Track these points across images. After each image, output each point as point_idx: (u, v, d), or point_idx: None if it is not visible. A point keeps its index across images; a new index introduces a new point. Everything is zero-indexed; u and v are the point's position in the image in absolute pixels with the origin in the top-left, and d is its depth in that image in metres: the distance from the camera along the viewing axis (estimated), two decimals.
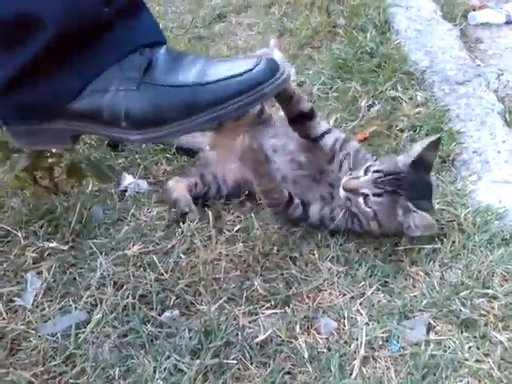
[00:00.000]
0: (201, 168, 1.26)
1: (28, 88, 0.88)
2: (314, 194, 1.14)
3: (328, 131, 1.16)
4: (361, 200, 1.03)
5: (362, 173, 1.05)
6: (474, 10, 2.19)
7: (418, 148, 1.04)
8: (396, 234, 1.07)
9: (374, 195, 1.01)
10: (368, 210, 1.03)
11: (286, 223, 1.13)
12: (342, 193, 1.06)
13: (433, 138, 1.05)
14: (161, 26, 2.03)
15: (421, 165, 1.04)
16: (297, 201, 1.11)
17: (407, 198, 1.01)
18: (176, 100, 0.86)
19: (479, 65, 1.85)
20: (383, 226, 1.05)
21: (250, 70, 0.86)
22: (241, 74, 0.86)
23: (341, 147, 1.14)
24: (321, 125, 1.16)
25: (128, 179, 1.25)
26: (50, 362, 0.85)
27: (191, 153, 1.35)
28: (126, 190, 1.23)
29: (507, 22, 2.15)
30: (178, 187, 1.19)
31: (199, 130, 0.93)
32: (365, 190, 1.02)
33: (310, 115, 1.13)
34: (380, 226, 1.05)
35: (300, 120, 1.13)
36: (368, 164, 1.06)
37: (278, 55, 1.69)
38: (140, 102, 0.88)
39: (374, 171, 1.03)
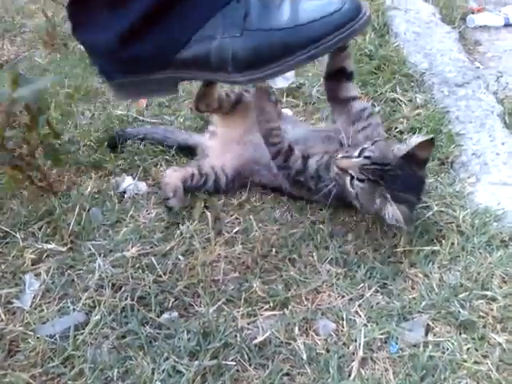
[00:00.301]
0: (199, 160, 1.29)
1: (138, 43, 0.93)
2: (319, 148, 1.18)
3: (358, 98, 1.21)
4: (347, 179, 1.05)
5: (356, 153, 1.06)
6: (473, 13, 2.19)
7: (412, 143, 1.04)
8: (374, 214, 1.10)
9: (358, 179, 1.04)
10: (351, 190, 1.05)
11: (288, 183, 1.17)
12: (334, 168, 1.08)
13: (427, 137, 1.05)
14: None
15: (413, 160, 1.04)
16: (297, 152, 1.16)
17: (388, 188, 1.02)
18: (274, 43, 0.93)
19: (478, 67, 1.85)
20: (363, 207, 1.07)
21: (339, 9, 0.93)
22: (330, 14, 0.93)
23: (366, 117, 1.17)
24: (354, 90, 1.20)
25: (127, 181, 1.25)
26: (49, 363, 0.85)
27: (190, 154, 1.35)
28: (125, 192, 1.23)
29: (506, 25, 2.16)
30: (173, 175, 1.22)
31: (296, 68, 0.99)
32: (352, 172, 1.04)
33: (349, 75, 1.18)
34: (361, 206, 1.07)
35: (338, 77, 1.18)
36: (365, 146, 1.07)
37: None
38: (244, 46, 0.94)
39: (365, 157, 1.04)
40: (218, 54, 0.95)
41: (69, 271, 1.02)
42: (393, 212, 1.00)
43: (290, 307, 0.96)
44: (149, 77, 0.99)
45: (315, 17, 0.93)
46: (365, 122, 1.16)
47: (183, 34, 0.95)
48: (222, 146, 1.29)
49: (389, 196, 1.00)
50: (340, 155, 1.08)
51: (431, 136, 1.06)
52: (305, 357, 0.86)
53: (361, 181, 1.03)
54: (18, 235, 1.08)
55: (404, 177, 1.03)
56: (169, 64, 0.97)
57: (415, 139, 1.04)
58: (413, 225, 1.10)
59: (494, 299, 0.96)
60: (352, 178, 1.04)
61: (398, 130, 1.39)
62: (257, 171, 1.24)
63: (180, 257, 1.05)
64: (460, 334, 0.91)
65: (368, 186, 1.03)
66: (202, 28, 0.95)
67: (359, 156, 1.05)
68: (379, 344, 0.89)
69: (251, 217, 1.15)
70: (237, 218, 1.17)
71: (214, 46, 0.94)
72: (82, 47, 1.82)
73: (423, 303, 0.95)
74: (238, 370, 0.85)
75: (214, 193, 1.22)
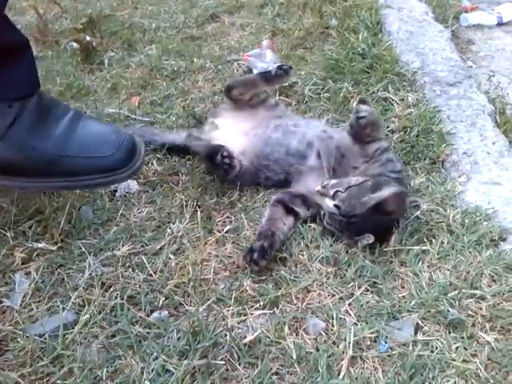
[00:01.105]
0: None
1: None
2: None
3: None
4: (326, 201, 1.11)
5: (331, 193, 1.10)
6: (466, 12, 2.20)
7: (383, 194, 1.06)
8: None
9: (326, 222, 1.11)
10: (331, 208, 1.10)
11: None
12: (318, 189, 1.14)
13: (398, 190, 1.07)
14: (153, 25, 2.05)
15: (380, 210, 1.05)
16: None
17: (349, 235, 1.08)
18: (33, 161, 0.92)
19: (471, 66, 1.86)
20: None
21: (110, 155, 0.95)
22: (99, 157, 0.95)
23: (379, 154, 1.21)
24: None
25: None
26: (38, 362, 0.85)
27: (182, 153, 1.35)
28: (116, 191, 1.22)
29: (499, 24, 2.17)
30: None
31: (42, 191, 1.05)
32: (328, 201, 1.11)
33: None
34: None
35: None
36: (339, 189, 1.10)
37: (270, 56, 1.69)
38: (4, 151, 0.92)
39: (335, 205, 1.09)
40: None
41: (59, 270, 1.02)
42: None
43: (280, 306, 0.96)
44: None
45: (84, 154, 0.95)
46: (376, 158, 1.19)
47: None
48: (227, 138, 1.28)
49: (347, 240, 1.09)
50: (320, 186, 1.12)
51: (401, 190, 1.09)
52: (294, 356, 0.86)
53: (328, 224, 1.10)
54: (8, 234, 1.08)
55: (368, 224, 1.06)
56: None
57: (387, 190, 1.06)
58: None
59: (483, 298, 0.96)
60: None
61: (389, 129, 1.40)
62: (265, 166, 1.24)
63: (171, 256, 1.05)
64: (449, 332, 0.91)
65: (332, 229, 1.10)
66: None
67: (333, 197, 1.10)
68: (369, 343, 0.89)
69: (242, 216, 1.15)
70: (228, 217, 1.17)
71: None
72: (74, 45, 1.84)
73: (413, 302, 0.95)
74: (227, 369, 0.85)
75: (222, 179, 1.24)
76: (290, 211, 1.13)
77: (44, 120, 0.95)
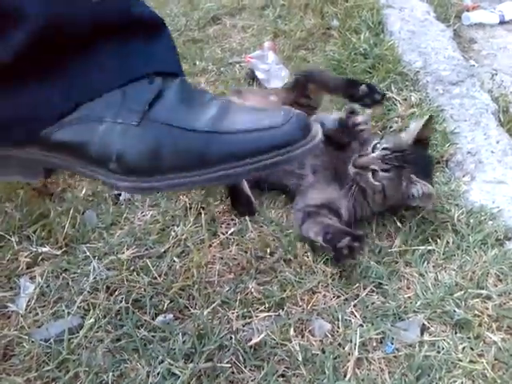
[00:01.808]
0: None
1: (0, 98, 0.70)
2: None
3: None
4: (370, 175, 1.09)
5: (369, 150, 1.11)
6: (468, 11, 2.19)
7: (416, 127, 1.12)
8: (395, 206, 1.14)
9: (383, 170, 1.08)
10: (377, 183, 1.09)
11: None
12: (351, 170, 1.11)
13: (426, 117, 1.12)
14: None
15: (419, 142, 1.11)
16: None
17: (413, 170, 1.08)
18: (182, 146, 0.70)
19: (473, 65, 1.85)
20: (387, 199, 1.11)
21: (278, 126, 0.71)
22: (266, 129, 0.71)
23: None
24: None
25: None
26: (43, 367, 0.85)
27: None
28: (119, 194, 1.22)
29: (501, 23, 2.16)
30: None
31: (200, 187, 0.78)
32: (374, 167, 1.09)
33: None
34: (385, 197, 1.11)
35: None
36: (374, 142, 1.12)
37: (272, 57, 1.69)
38: (139, 142, 0.71)
39: (383, 149, 1.10)
40: (102, 144, 0.71)
41: (64, 274, 1.02)
42: (422, 188, 1.06)
43: (285, 308, 0.96)
44: (11, 152, 0.75)
45: (246, 127, 0.71)
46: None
47: (60, 102, 0.71)
48: None
49: (414, 176, 1.07)
50: (355, 156, 1.12)
51: (429, 115, 1.14)
52: (300, 358, 0.86)
53: (386, 171, 1.08)
54: (12, 238, 1.08)
55: (420, 159, 1.11)
56: (36, 140, 0.72)
57: (417, 123, 1.12)
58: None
59: (489, 298, 0.96)
60: (374, 171, 1.09)
61: (392, 129, 1.39)
62: (268, 181, 1.22)
63: (175, 259, 1.05)
64: (455, 333, 0.91)
65: (394, 173, 1.08)
66: (86, 103, 0.71)
67: (373, 151, 1.10)
68: (374, 344, 0.89)
69: (246, 218, 1.14)
70: (232, 219, 1.17)
71: (99, 131, 0.71)
72: None
73: (418, 303, 0.95)
74: (233, 372, 0.85)
75: None
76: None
77: (190, 102, 0.74)
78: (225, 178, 0.71)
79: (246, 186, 1.18)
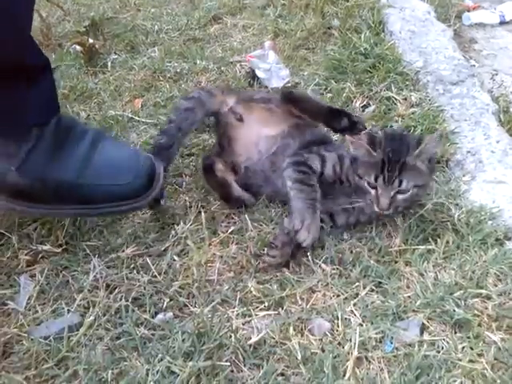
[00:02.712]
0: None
1: None
2: None
3: None
4: (401, 197, 1.05)
5: (372, 192, 1.06)
6: (468, 11, 2.19)
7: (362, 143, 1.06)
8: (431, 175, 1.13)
9: (400, 185, 1.03)
10: (409, 192, 1.05)
11: None
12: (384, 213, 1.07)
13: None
14: (156, 27, 2.05)
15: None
16: None
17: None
18: (51, 189, 0.90)
19: (474, 65, 1.85)
20: (427, 182, 1.10)
21: (128, 182, 0.93)
22: (118, 185, 0.93)
23: None
24: None
25: None
26: (43, 365, 0.85)
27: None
28: None
29: (501, 23, 2.16)
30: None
31: (65, 217, 1.04)
32: (393, 193, 1.04)
33: None
34: (424, 186, 1.09)
35: None
36: (364, 182, 1.07)
37: (272, 56, 1.69)
38: (15, 184, 0.91)
39: (374, 180, 1.05)
40: None
41: (64, 272, 1.02)
42: (431, 138, 1.04)
43: (284, 307, 0.96)
44: None
45: (101, 182, 0.93)
46: None
47: None
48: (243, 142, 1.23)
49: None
50: (375, 207, 1.06)
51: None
52: (300, 357, 0.86)
53: (401, 182, 1.03)
54: (12, 236, 1.08)
55: (394, 148, 1.05)
56: None
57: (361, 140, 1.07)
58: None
59: (488, 297, 0.96)
60: (398, 192, 1.04)
61: (392, 128, 1.39)
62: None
63: (175, 257, 1.05)
64: (455, 332, 0.91)
65: (406, 173, 1.03)
66: None
67: (374, 188, 1.06)
68: (374, 343, 0.89)
69: (246, 216, 1.14)
70: (232, 218, 1.17)
71: None
72: (77, 47, 1.84)
73: (418, 302, 0.95)
74: (232, 371, 0.85)
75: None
76: None
77: (62, 146, 0.93)
78: (79, 215, 0.97)
79: (235, 186, 1.19)
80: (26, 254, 1.05)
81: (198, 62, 1.81)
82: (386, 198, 1.03)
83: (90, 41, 1.83)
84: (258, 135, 1.22)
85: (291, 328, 0.91)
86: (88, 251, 1.05)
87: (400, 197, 1.04)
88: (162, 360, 0.84)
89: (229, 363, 0.85)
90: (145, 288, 0.98)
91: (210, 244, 1.08)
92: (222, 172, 1.20)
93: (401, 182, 1.03)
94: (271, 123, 1.23)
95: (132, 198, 0.95)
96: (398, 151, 1.04)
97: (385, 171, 1.03)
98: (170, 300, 0.96)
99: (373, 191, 1.05)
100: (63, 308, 0.94)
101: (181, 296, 0.97)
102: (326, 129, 1.26)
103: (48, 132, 0.91)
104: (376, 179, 1.04)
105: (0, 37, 0.81)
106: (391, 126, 1.40)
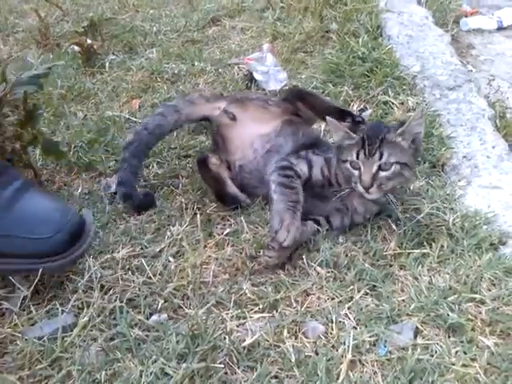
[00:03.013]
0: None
1: None
2: None
3: None
4: (383, 174, 1.05)
5: (355, 172, 1.07)
6: (466, 16, 2.21)
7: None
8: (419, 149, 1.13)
9: (380, 159, 1.04)
10: (392, 169, 1.05)
11: None
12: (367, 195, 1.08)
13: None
14: (155, 29, 2.06)
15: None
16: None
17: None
18: None
19: (471, 70, 1.86)
20: (413, 158, 1.10)
21: (48, 237, 0.85)
22: (35, 239, 0.85)
23: None
24: None
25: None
26: (36, 365, 0.85)
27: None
28: (116, 193, 1.22)
29: (499, 28, 2.17)
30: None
31: None
32: (374, 168, 1.05)
33: None
34: (410, 163, 1.08)
35: None
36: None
37: (270, 59, 1.69)
38: None
39: (356, 156, 1.06)
40: None
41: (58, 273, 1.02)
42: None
43: (279, 309, 0.96)
44: None
45: (18, 233, 0.85)
46: None
47: None
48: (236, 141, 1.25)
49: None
50: (359, 188, 1.07)
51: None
52: (293, 359, 0.86)
53: (381, 155, 1.04)
54: None
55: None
56: None
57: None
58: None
59: (482, 302, 0.96)
60: (379, 167, 1.05)
61: None
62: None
63: (170, 258, 1.05)
64: (449, 336, 0.91)
65: (387, 148, 1.04)
66: None
67: (356, 168, 1.07)
68: (368, 347, 0.89)
69: (242, 219, 1.14)
70: (228, 220, 1.17)
71: None
72: (75, 48, 1.84)
73: (412, 306, 0.95)
74: (226, 373, 0.84)
75: None
76: None
77: None
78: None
79: (230, 183, 1.20)
80: None
81: (196, 63, 1.82)
82: (369, 173, 1.04)
83: (89, 41, 1.83)
84: (251, 133, 1.23)
85: (285, 330, 0.91)
86: None
87: (382, 174, 1.05)
88: (155, 361, 0.84)
89: (223, 365, 0.85)
90: (139, 289, 0.98)
91: (205, 246, 1.08)
92: (217, 166, 1.20)
93: (381, 155, 1.04)
94: (265, 120, 1.25)
95: (48, 256, 0.87)
96: (377, 129, 1.07)
97: (365, 146, 1.05)
98: (165, 301, 0.96)
99: (356, 171, 1.07)
100: (57, 308, 0.94)
101: (175, 297, 0.97)
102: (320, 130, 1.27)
103: None
104: (358, 156, 1.05)
105: None
106: None
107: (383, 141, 1.04)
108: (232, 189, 1.20)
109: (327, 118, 1.11)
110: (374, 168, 1.04)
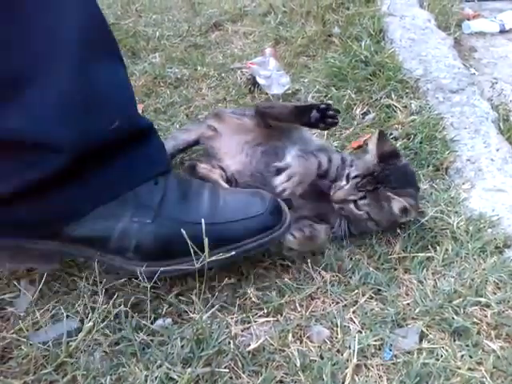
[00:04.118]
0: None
1: (30, 206, 0.84)
2: None
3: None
4: (352, 206, 1.08)
5: (344, 182, 1.10)
6: (469, 19, 2.21)
7: (372, 144, 1.10)
8: (391, 225, 1.11)
9: (360, 198, 1.07)
10: (361, 212, 1.08)
11: None
12: (335, 205, 1.11)
13: (375, 133, 1.11)
14: (157, 34, 2.06)
15: (387, 156, 1.09)
16: None
17: (388, 188, 1.06)
18: (188, 236, 0.85)
19: (474, 73, 1.86)
20: (379, 223, 1.10)
21: (260, 213, 0.91)
22: (250, 217, 0.90)
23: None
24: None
25: None
26: (41, 370, 0.84)
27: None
28: None
29: (501, 31, 2.18)
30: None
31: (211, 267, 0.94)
32: (352, 197, 1.08)
33: None
34: (377, 223, 1.10)
35: None
36: (347, 172, 1.11)
37: (273, 63, 1.70)
38: (154, 236, 0.88)
39: (354, 177, 1.09)
40: (121, 238, 0.87)
41: (63, 277, 1.02)
42: (399, 204, 1.04)
43: (284, 314, 0.96)
44: (29, 245, 0.88)
45: (235, 217, 0.90)
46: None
47: (83, 204, 0.86)
48: (225, 150, 1.26)
49: (391, 193, 1.04)
50: (332, 192, 1.11)
51: (378, 130, 1.11)
52: (298, 364, 0.86)
53: (363, 198, 1.07)
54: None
55: (393, 173, 1.08)
56: (57, 234, 0.88)
57: (371, 141, 1.11)
58: (421, 214, 1.13)
59: (488, 306, 0.96)
60: (355, 201, 1.08)
61: (392, 136, 1.40)
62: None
63: None
64: (454, 340, 0.91)
65: (371, 197, 1.07)
66: (106, 204, 0.86)
67: (348, 181, 1.09)
68: (373, 351, 0.89)
69: None
70: None
71: (118, 228, 0.87)
72: None
73: (417, 310, 0.95)
74: (231, 378, 0.84)
75: None
76: None
77: (186, 196, 0.93)
78: (219, 262, 0.89)
79: (222, 183, 1.19)
80: None
81: (199, 68, 1.82)
82: (345, 193, 1.08)
83: None
84: (237, 140, 1.25)
85: (290, 335, 0.91)
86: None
87: (351, 206, 1.08)
88: (160, 366, 0.84)
89: (228, 370, 0.85)
90: (144, 294, 0.97)
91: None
92: (207, 170, 1.21)
93: (363, 198, 1.07)
94: (244, 131, 1.26)
95: (269, 229, 0.93)
96: (388, 179, 1.07)
97: (366, 179, 1.07)
98: (170, 306, 0.96)
99: (344, 182, 1.10)
100: (62, 313, 0.94)
101: (180, 302, 0.97)
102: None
103: (171, 183, 0.93)
104: (355, 177, 1.08)
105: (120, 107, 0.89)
106: (391, 134, 1.40)
107: (376, 192, 1.07)
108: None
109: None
110: (351, 197, 1.08)
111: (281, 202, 0.99)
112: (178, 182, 0.95)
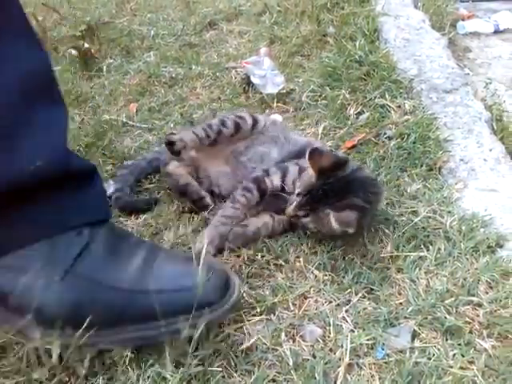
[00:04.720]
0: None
1: None
2: None
3: None
4: (303, 220, 1.08)
5: (295, 197, 1.09)
6: (463, 20, 2.21)
7: (308, 163, 1.07)
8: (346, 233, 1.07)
9: (304, 216, 1.07)
10: (310, 226, 1.09)
11: None
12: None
13: (307, 151, 1.07)
14: (152, 32, 2.06)
15: (326, 170, 1.05)
16: None
17: (327, 204, 1.03)
18: (103, 303, 0.73)
19: (467, 73, 1.87)
20: (329, 234, 1.07)
21: (197, 286, 0.75)
22: (185, 290, 0.76)
23: None
24: None
25: (113, 186, 1.24)
26: (33, 370, 0.84)
27: None
28: (110, 197, 1.22)
29: (495, 32, 2.18)
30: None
31: (123, 346, 0.79)
32: (299, 213, 1.07)
33: None
34: (328, 234, 1.08)
35: None
36: (297, 191, 1.09)
37: (268, 63, 1.70)
38: (60, 297, 0.74)
39: (297, 195, 1.08)
40: (21, 296, 0.74)
41: None
42: (336, 220, 1.01)
43: (276, 313, 0.96)
44: None
45: (169, 286, 0.75)
46: None
47: None
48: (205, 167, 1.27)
49: (329, 210, 1.02)
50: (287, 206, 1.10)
51: (310, 149, 1.07)
52: (291, 363, 0.86)
53: (306, 216, 1.07)
54: None
55: (332, 187, 1.04)
56: None
57: (306, 158, 1.06)
58: (365, 225, 1.10)
59: (480, 305, 0.96)
60: (304, 216, 1.07)
61: (386, 135, 1.40)
62: None
63: None
64: (446, 339, 0.91)
65: (312, 215, 1.06)
66: (12, 252, 0.74)
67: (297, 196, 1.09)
68: (365, 350, 0.89)
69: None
70: None
71: (20, 283, 0.73)
72: (72, 52, 1.85)
73: (410, 309, 0.95)
74: (223, 377, 0.84)
75: None
76: None
77: (116, 252, 0.79)
78: (137, 341, 0.77)
79: (195, 185, 1.21)
80: None
81: (194, 67, 1.82)
82: (293, 210, 1.07)
83: (86, 45, 1.83)
84: (220, 150, 1.26)
85: (283, 334, 0.91)
86: None
87: (302, 220, 1.08)
88: (152, 365, 0.84)
89: (220, 369, 0.85)
90: None
91: None
92: (181, 174, 1.23)
93: (306, 216, 1.07)
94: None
95: (205, 307, 0.79)
96: (326, 195, 1.04)
97: (305, 198, 1.06)
98: None
99: (295, 197, 1.08)
100: None
101: None
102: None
103: (99, 237, 0.79)
104: (306, 194, 1.06)
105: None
106: (385, 134, 1.40)
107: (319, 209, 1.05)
108: (197, 188, 1.21)
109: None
110: (301, 213, 1.07)
111: (233, 276, 0.86)
112: (109, 235, 0.82)
